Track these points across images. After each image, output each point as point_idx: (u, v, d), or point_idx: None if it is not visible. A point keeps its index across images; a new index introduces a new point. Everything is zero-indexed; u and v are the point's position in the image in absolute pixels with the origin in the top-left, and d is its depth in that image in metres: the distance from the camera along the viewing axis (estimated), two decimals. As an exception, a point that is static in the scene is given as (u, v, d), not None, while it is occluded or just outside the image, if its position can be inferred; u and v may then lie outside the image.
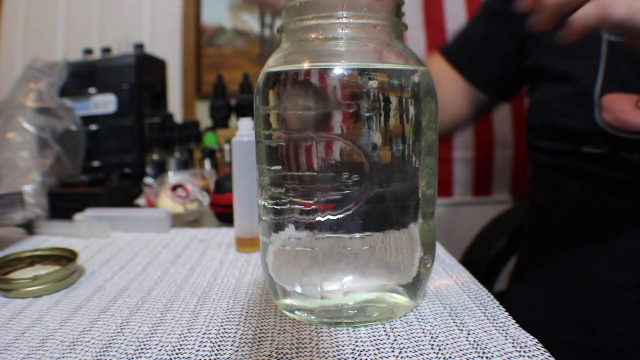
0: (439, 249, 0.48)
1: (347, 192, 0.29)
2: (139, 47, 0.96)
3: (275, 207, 0.32)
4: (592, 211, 0.59)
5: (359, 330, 0.31)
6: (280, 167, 0.31)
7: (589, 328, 0.57)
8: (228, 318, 0.34)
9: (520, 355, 0.27)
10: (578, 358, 0.57)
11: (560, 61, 0.59)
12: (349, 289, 0.31)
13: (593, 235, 0.58)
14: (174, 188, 0.67)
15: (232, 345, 0.30)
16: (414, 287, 0.33)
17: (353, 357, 0.28)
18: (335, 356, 0.28)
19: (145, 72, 0.90)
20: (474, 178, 1.40)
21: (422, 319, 0.32)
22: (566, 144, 0.59)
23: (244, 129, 0.48)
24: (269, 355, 0.28)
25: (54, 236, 0.58)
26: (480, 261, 0.82)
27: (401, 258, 0.32)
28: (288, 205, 0.31)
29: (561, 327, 0.59)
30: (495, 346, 0.28)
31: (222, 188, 0.61)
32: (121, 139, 0.86)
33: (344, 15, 0.30)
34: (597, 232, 0.58)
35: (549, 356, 0.27)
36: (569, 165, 0.59)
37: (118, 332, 0.32)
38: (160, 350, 0.29)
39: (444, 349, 0.28)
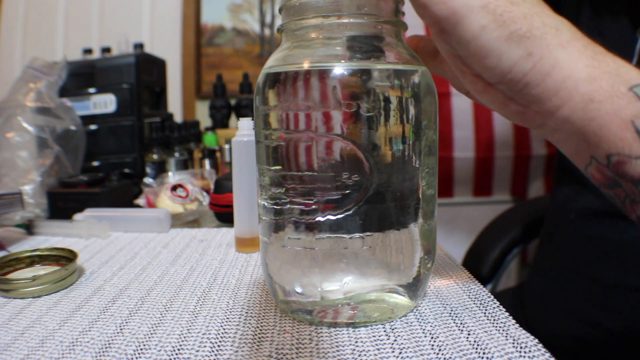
0: (439, 249, 0.47)
1: (347, 192, 0.29)
2: (139, 46, 0.96)
3: (275, 207, 0.32)
4: (611, 212, 0.59)
5: (359, 331, 0.31)
6: (280, 167, 0.31)
7: (597, 326, 0.57)
8: (228, 318, 0.34)
9: (520, 356, 0.27)
10: (586, 354, 0.57)
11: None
12: (349, 289, 0.31)
13: (610, 236, 0.58)
14: (174, 188, 0.67)
15: (232, 345, 0.30)
16: (414, 288, 0.33)
17: (353, 358, 0.28)
18: (335, 356, 0.28)
19: (145, 71, 0.90)
20: (474, 178, 1.40)
21: (422, 319, 0.32)
22: None
23: (244, 129, 0.48)
24: (269, 355, 0.28)
25: (53, 236, 0.58)
26: (482, 261, 0.82)
27: (401, 258, 0.32)
28: (288, 205, 0.31)
29: (572, 322, 0.59)
30: (495, 346, 0.28)
31: (222, 188, 0.61)
32: (121, 138, 0.86)
33: (344, 15, 0.30)
34: (616, 233, 0.58)
35: (549, 356, 0.27)
36: None
37: (117, 333, 0.32)
38: (159, 350, 0.29)
39: (444, 349, 0.28)
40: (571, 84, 0.23)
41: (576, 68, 0.23)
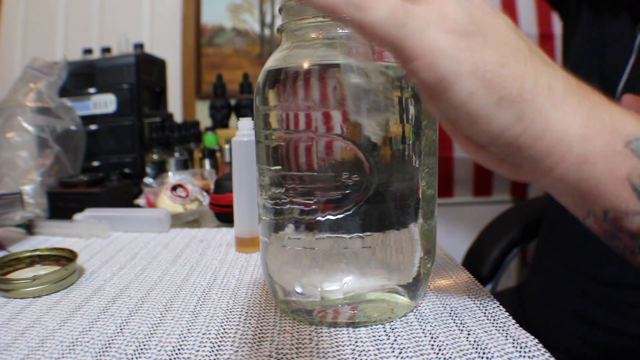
0: (439, 249, 0.47)
1: (347, 192, 0.29)
2: (139, 46, 0.96)
3: (275, 207, 0.32)
4: None
5: (359, 331, 0.31)
6: (280, 167, 0.31)
7: (596, 324, 0.57)
8: (228, 318, 0.34)
9: (520, 356, 0.27)
10: (585, 352, 0.57)
11: (595, 46, 0.60)
12: (349, 289, 0.31)
13: None
14: (174, 188, 0.67)
15: (232, 345, 0.30)
16: (414, 287, 0.33)
17: (353, 358, 0.28)
18: (335, 356, 0.28)
19: (145, 71, 0.90)
20: (474, 178, 1.40)
21: (422, 319, 0.32)
22: None
23: (244, 129, 0.48)
24: (269, 355, 0.28)
25: (53, 236, 0.58)
26: (482, 261, 0.82)
27: (401, 258, 0.32)
28: (288, 205, 0.31)
29: (572, 321, 0.59)
30: (495, 346, 0.28)
31: (222, 188, 0.61)
32: (121, 138, 0.86)
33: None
34: None
35: (549, 357, 0.27)
36: None
37: (118, 333, 0.32)
38: (160, 350, 0.29)
39: (444, 349, 0.28)
40: (565, 145, 0.23)
41: (570, 129, 0.23)
